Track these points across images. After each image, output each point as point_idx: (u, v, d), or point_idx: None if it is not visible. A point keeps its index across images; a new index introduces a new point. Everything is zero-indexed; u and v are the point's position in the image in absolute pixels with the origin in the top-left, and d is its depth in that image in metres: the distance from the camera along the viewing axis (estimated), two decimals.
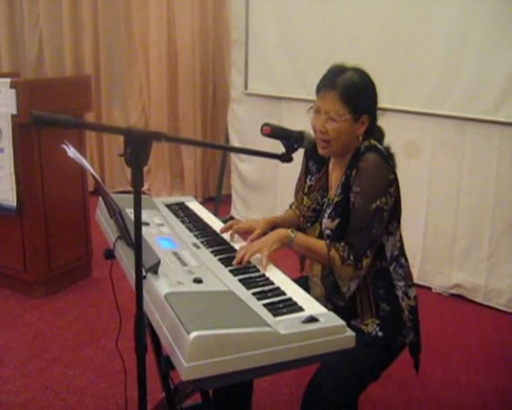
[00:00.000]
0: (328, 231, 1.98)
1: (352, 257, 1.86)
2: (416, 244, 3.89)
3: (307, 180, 2.16)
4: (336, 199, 1.97)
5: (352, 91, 1.91)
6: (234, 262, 1.84)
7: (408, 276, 2.04)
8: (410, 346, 2.04)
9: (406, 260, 2.06)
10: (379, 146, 1.95)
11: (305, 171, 2.18)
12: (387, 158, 1.92)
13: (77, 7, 5.79)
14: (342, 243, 1.88)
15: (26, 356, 3.09)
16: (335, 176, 2.06)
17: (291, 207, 2.30)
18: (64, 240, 3.79)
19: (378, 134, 2.03)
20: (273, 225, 2.18)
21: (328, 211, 1.99)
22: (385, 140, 2.07)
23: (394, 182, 1.91)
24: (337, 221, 1.95)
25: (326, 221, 1.99)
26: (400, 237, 2.04)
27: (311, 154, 2.13)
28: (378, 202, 1.86)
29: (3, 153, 3.47)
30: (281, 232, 1.95)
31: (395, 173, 1.92)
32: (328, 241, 1.92)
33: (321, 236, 2.03)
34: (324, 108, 1.92)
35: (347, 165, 1.97)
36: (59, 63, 5.98)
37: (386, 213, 1.90)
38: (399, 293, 2.00)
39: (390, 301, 1.98)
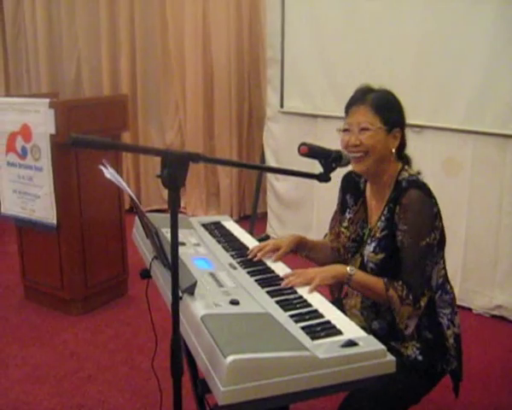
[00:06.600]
0: (371, 265, 1.96)
1: (410, 297, 1.84)
2: (456, 264, 3.80)
3: (346, 214, 2.15)
4: (379, 234, 1.95)
5: (383, 103, 1.94)
6: (283, 284, 1.82)
7: (454, 302, 2.01)
8: (451, 374, 1.99)
9: (451, 286, 2.03)
10: (420, 179, 1.94)
11: (342, 205, 2.18)
12: (430, 192, 1.91)
13: (114, 28, 5.88)
14: (400, 283, 1.85)
15: (62, 374, 3.10)
16: (375, 205, 2.04)
17: (324, 237, 2.29)
18: (101, 258, 3.81)
19: (407, 162, 2.03)
20: (299, 244, 2.17)
21: (373, 245, 1.96)
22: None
23: (438, 214, 1.91)
24: (381, 256, 1.93)
25: (369, 254, 1.96)
26: (444, 263, 2.01)
27: (346, 188, 2.16)
28: (428, 239, 1.85)
29: (42, 172, 3.51)
30: (339, 269, 1.93)
31: (437, 205, 1.91)
32: (385, 280, 1.88)
33: (362, 267, 2.00)
34: (356, 121, 1.93)
35: (389, 196, 1.96)
36: (97, 83, 6.08)
37: (436, 247, 1.89)
38: (444, 321, 1.97)
39: (433, 329, 1.95)
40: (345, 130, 1.96)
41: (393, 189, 1.95)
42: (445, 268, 2.01)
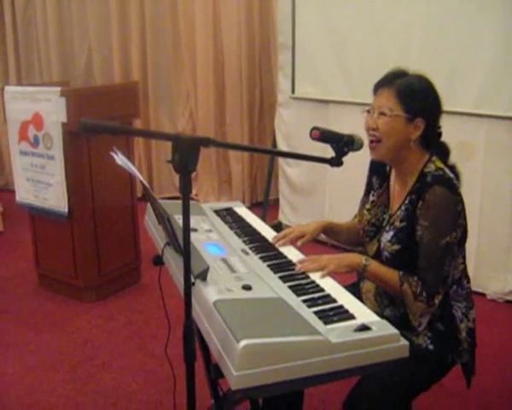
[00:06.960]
0: (386, 253, 1.93)
1: (424, 294, 1.81)
2: (470, 249, 3.67)
3: (370, 196, 2.12)
4: (398, 224, 1.92)
5: (408, 90, 1.86)
6: (296, 268, 1.82)
7: (469, 297, 1.98)
8: (463, 367, 1.97)
9: (468, 280, 1.99)
10: (447, 172, 1.87)
11: (368, 186, 2.15)
12: (455, 188, 1.84)
13: (125, 16, 5.87)
14: (415, 278, 1.82)
15: (76, 361, 3.13)
16: (398, 191, 2.00)
17: (354, 218, 2.26)
18: (113, 246, 3.83)
19: (443, 152, 1.97)
20: (326, 229, 2.17)
21: (391, 233, 1.93)
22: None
23: (462, 212, 1.85)
24: (397, 247, 1.90)
25: (386, 243, 1.94)
26: (463, 258, 1.97)
27: (374, 169, 2.11)
28: (448, 238, 1.81)
29: (54, 160, 3.52)
30: (354, 258, 1.91)
31: (462, 202, 1.85)
32: (401, 273, 1.85)
33: (378, 253, 1.98)
34: (378, 104, 1.89)
35: (412, 186, 1.91)
36: (107, 71, 6.08)
37: (456, 245, 1.85)
38: (458, 313, 1.94)
39: (445, 321, 1.92)
40: (368, 111, 1.93)
41: (417, 180, 1.89)
42: (464, 263, 1.97)
